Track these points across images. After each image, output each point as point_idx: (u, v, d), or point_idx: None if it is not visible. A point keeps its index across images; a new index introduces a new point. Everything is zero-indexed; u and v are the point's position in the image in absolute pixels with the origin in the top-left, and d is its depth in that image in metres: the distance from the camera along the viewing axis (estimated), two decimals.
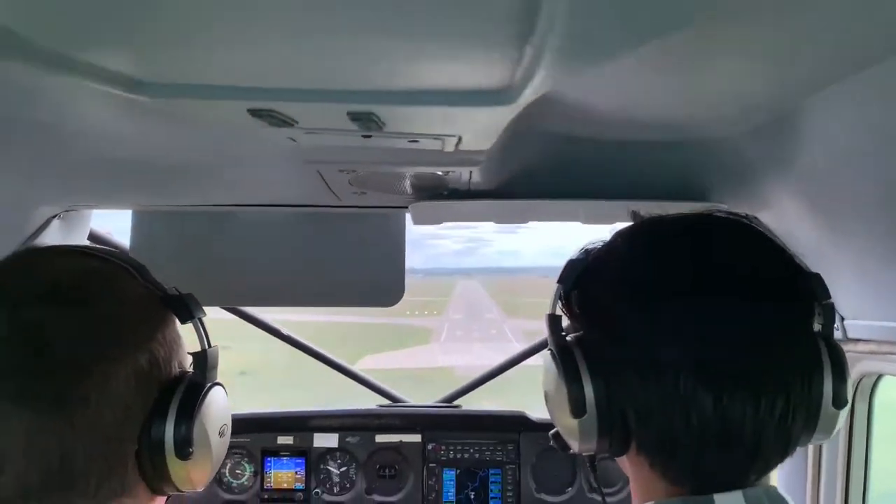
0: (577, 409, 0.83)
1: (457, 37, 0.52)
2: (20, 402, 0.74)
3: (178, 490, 0.89)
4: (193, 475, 0.88)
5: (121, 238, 2.08)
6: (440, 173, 1.36)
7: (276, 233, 1.85)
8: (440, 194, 1.53)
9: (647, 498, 0.83)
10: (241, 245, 1.86)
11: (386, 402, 2.63)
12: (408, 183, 1.48)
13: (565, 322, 0.94)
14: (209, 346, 0.94)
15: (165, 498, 0.95)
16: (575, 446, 0.89)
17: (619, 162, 1.40)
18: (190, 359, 0.94)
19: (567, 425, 0.86)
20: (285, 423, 2.41)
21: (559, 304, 0.93)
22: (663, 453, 0.81)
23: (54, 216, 1.68)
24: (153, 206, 1.76)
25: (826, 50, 0.87)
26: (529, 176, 1.44)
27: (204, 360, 0.92)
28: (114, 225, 2.14)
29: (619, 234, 0.92)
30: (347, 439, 2.38)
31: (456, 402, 2.59)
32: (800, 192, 1.33)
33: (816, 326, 0.83)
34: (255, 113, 0.69)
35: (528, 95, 0.64)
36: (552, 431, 0.97)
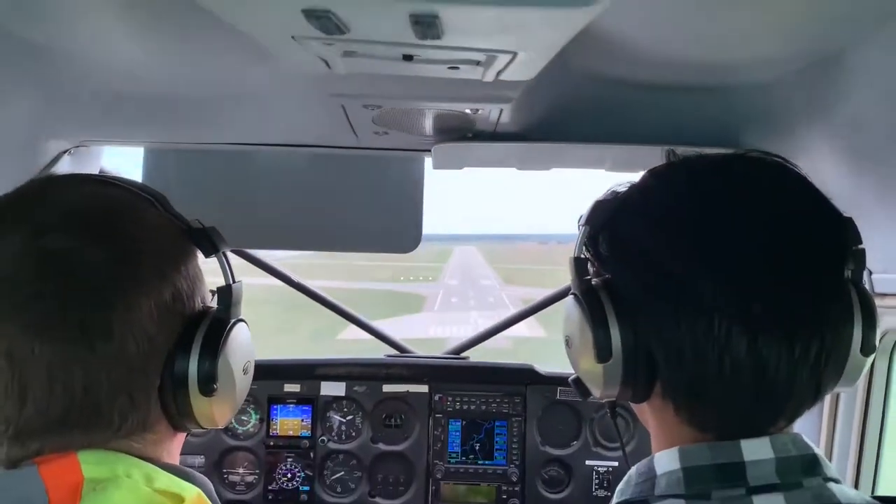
0: (603, 353, 0.82)
1: None
2: (42, 332, 0.72)
3: (200, 427, 0.88)
4: (216, 412, 0.87)
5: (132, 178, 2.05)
6: (468, 111, 1.32)
7: (292, 174, 1.81)
8: (464, 136, 1.50)
9: (670, 444, 0.82)
10: (255, 186, 1.82)
11: (394, 352, 2.62)
12: (431, 123, 1.44)
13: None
14: (233, 280, 0.92)
15: (185, 435, 0.93)
16: (597, 392, 0.88)
17: (651, 105, 1.37)
18: (210, 295, 0.92)
19: (590, 371, 0.85)
20: (292, 370, 2.40)
21: (584, 246, 0.91)
22: (691, 397, 0.79)
23: (65, 151, 1.64)
24: (166, 143, 1.72)
25: None
26: (557, 118, 1.41)
27: (228, 295, 0.90)
28: (124, 166, 2.10)
29: (653, 173, 0.89)
30: (354, 388, 2.38)
31: (464, 354, 2.59)
32: (836, 139, 1.30)
33: (846, 272, 0.81)
34: (309, 14, 0.65)
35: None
36: (572, 377, 0.96)
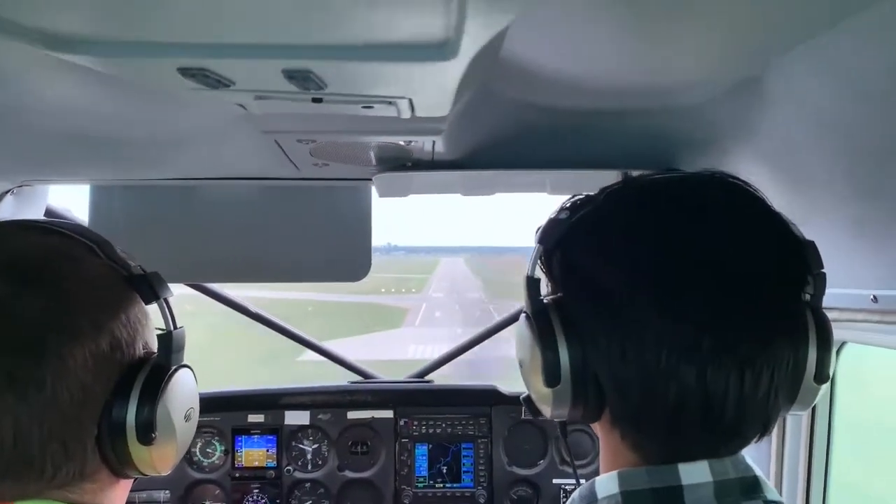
0: (552, 377, 0.80)
1: None
2: None
3: (142, 474, 0.87)
4: (157, 460, 0.85)
5: (79, 214, 2.03)
6: (402, 143, 1.33)
7: (239, 207, 1.81)
8: (404, 165, 1.50)
9: (614, 466, 0.81)
10: (202, 220, 1.81)
11: (357, 378, 2.61)
12: (371, 154, 1.44)
13: (543, 286, 0.89)
14: (175, 327, 0.91)
15: (132, 481, 0.92)
16: (547, 413, 0.87)
17: (583, 131, 1.38)
18: (154, 340, 0.91)
19: (540, 392, 0.84)
20: (256, 400, 2.39)
21: (538, 264, 0.89)
22: (637, 426, 0.79)
23: (7, 192, 1.63)
24: (111, 180, 1.71)
25: (786, 13, 0.85)
26: (494, 146, 1.42)
27: (169, 342, 0.89)
28: (72, 201, 2.08)
29: (608, 195, 0.86)
30: (319, 416, 2.36)
31: (427, 377, 2.58)
32: (765, 157, 1.32)
33: (805, 296, 0.80)
34: (185, 72, 0.66)
35: (468, 48, 0.61)
36: (524, 396, 0.95)
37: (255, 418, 2.36)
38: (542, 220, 0.93)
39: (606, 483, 0.80)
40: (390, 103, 0.90)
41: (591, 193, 0.90)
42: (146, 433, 0.82)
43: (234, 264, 1.83)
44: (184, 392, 0.90)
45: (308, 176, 1.58)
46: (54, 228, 0.87)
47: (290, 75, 0.66)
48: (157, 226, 1.79)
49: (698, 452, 0.77)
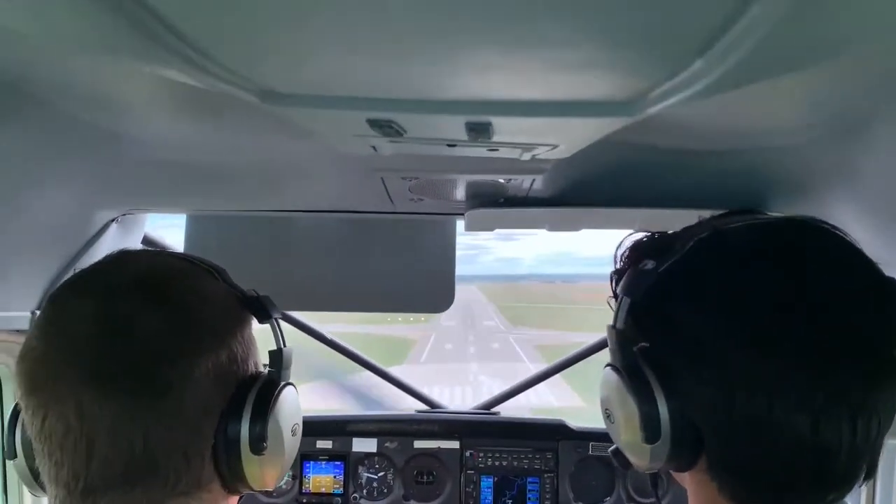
0: (652, 433, 0.79)
1: (591, 53, 0.53)
2: (108, 388, 0.76)
3: (251, 489, 0.90)
4: (266, 472, 0.90)
5: (173, 242, 2.12)
6: (501, 181, 1.37)
7: (330, 238, 1.87)
8: (496, 202, 1.54)
9: None
10: (292, 250, 1.88)
11: (424, 407, 2.64)
12: (465, 190, 1.49)
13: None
14: (284, 345, 0.97)
15: (237, 499, 0.96)
16: (642, 467, 0.85)
17: (679, 169, 1.40)
18: (261, 360, 0.97)
19: (635, 447, 0.82)
20: (324, 427, 2.42)
21: (626, 317, 0.86)
22: (742, 478, 0.77)
23: (112, 220, 1.71)
24: (208, 210, 1.78)
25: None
26: (588, 184, 1.45)
27: (279, 359, 0.94)
28: (166, 231, 2.17)
29: (697, 243, 0.84)
30: (386, 444, 2.39)
31: (494, 409, 2.59)
32: (862, 203, 1.33)
33: None
34: (373, 123, 0.71)
35: (656, 110, 0.64)
36: (612, 448, 0.93)
37: (324, 444, 2.39)
38: (616, 268, 0.93)
39: None
40: (529, 148, 0.93)
41: (666, 233, 0.91)
42: (258, 444, 0.86)
43: (324, 293, 1.89)
44: (291, 407, 0.94)
45: (402, 210, 1.63)
46: (180, 255, 0.94)
47: (472, 127, 0.70)
48: (251, 254, 1.86)
49: (802, 498, 0.76)
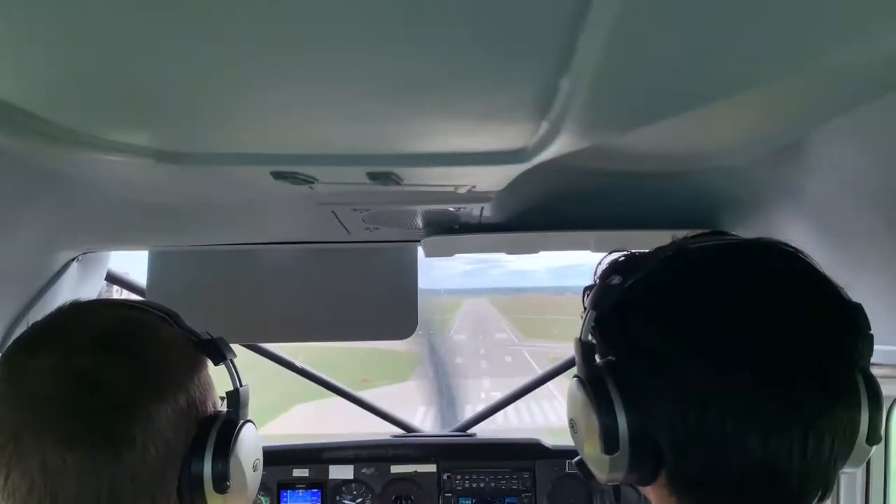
0: (610, 444, 0.80)
1: (476, 110, 0.54)
2: (72, 444, 0.77)
3: None
4: None
5: (136, 277, 2.12)
6: (451, 209, 1.38)
7: (290, 269, 1.87)
8: (451, 228, 1.55)
9: None
10: (255, 282, 1.88)
11: (400, 431, 2.63)
12: (419, 219, 1.50)
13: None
14: (241, 384, 0.98)
15: None
16: (602, 478, 0.86)
17: (629, 192, 1.42)
18: (219, 399, 0.98)
19: (596, 458, 0.84)
20: (300, 455, 2.41)
21: (592, 330, 0.88)
22: (697, 492, 0.78)
23: (73, 259, 1.71)
24: (168, 246, 1.79)
25: (832, 84, 0.88)
26: (539, 209, 1.46)
27: (236, 399, 0.96)
28: (128, 267, 2.17)
29: (662, 262, 0.85)
30: (363, 470, 2.38)
31: (470, 431, 2.59)
32: (808, 219, 1.34)
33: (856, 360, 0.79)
34: (277, 175, 0.72)
35: (544, 157, 0.66)
36: (576, 459, 0.95)
37: (300, 472, 2.38)
38: (590, 282, 0.93)
39: None
40: (450, 188, 0.95)
41: (641, 252, 0.91)
42: (221, 482, 0.88)
43: (286, 324, 1.89)
44: (251, 444, 0.97)
45: (358, 239, 1.63)
46: (133, 304, 0.96)
47: (374, 176, 0.71)
48: (213, 288, 1.86)
49: None
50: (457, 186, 0.86)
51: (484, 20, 0.39)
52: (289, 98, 0.55)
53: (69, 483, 0.77)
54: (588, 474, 0.91)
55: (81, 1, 0.38)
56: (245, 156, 0.67)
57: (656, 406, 0.78)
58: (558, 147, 0.64)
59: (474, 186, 0.86)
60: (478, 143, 0.62)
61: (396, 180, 0.74)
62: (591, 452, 0.85)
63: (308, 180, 0.75)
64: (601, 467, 0.84)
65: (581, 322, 0.90)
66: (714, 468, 0.75)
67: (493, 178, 0.81)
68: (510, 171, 0.75)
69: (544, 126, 0.58)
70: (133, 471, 0.80)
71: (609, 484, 0.88)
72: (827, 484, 0.77)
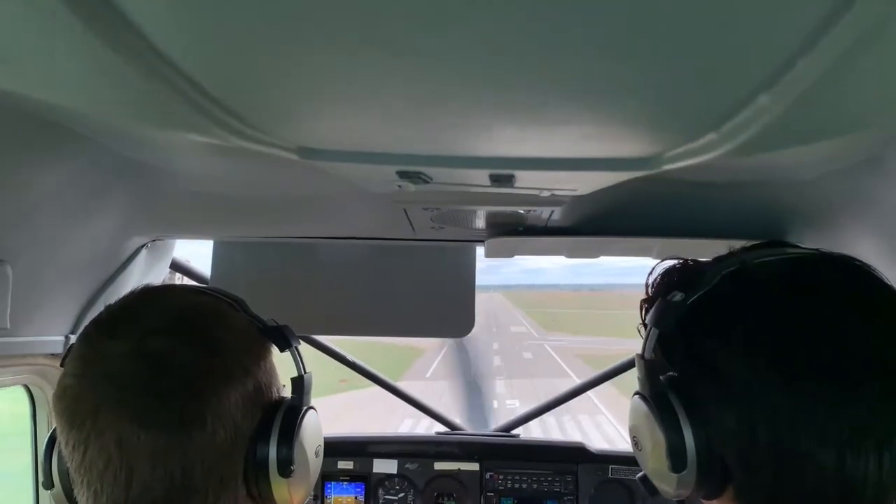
0: (679, 463, 0.80)
1: (611, 125, 0.56)
2: (147, 421, 0.81)
3: None
4: (293, 493, 0.94)
5: (198, 266, 2.17)
6: (521, 212, 1.40)
7: (352, 264, 1.91)
8: (515, 230, 1.57)
9: None
10: (316, 275, 1.92)
11: (444, 429, 2.65)
12: (485, 219, 1.52)
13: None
14: (305, 371, 1.01)
15: None
16: (669, 494, 0.86)
17: (696, 201, 1.42)
18: (282, 385, 1.01)
19: (662, 475, 0.84)
20: (345, 448, 2.45)
21: (655, 348, 0.87)
22: None
23: (143, 245, 1.77)
24: (234, 237, 1.83)
25: None
26: (608, 214, 1.48)
27: (301, 385, 0.99)
28: (192, 256, 2.22)
29: (725, 277, 0.84)
30: (406, 465, 2.41)
31: (514, 432, 2.60)
32: (878, 235, 1.34)
33: None
34: (403, 174, 0.75)
35: (672, 167, 0.67)
36: (639, 475, 0.95)
37: (345, 465, 2.42)
38: (647, 296, 0.94)
39: None
40: (548, 192, 0.96)
41: (696, 262, 0.92)
42: (285, 467, 0.90)
43: (345, 318, 1.92)
44: (314, 430, 0.99)
45: (423, 237, 1.66)
46: (204, 291, 0.98)
47: (495, 178, 0.73)
48: (275, 280, 1.91)
49: None
50: (558, 189, 0.88)
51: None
52: (421, 99, 0.57)
53: (144, 460, 0.80)
54: (653, 490, 0.91)
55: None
56: (375, 155, 0.70)
57: (724, 424, 0.78)
58: (696, 158, 0.65)
59: (575, 190, 0.88)
60: (606, 150, 0.64)
61: (514, 182, 0.77)
62: (657, 469, 0.85)
63: (426, 180, 0.78)
64: (668, 484, 0.84)
65: (641, 338, 0.90)
66: (787, 486, 0.75)
67: (601, 183, 0.83)
68: (625, 176, 0.77)
69: (694, 143, 0.60)
70: (203, 452, 0.83)
71: (675, 499, 0.89)
72: None
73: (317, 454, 1.01)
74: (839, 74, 0.49)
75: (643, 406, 0.86)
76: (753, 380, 0.76)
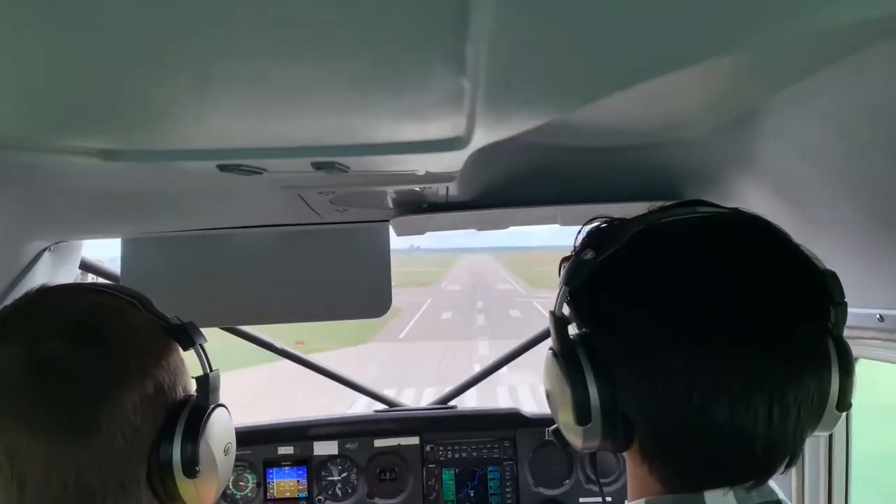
0: (583, 416, 0.82)
1: (402, 105, 0.56)
2: (38, 430, 0.79)
3: None
4: (201, 493, 0.92)
5: (111, 265, 2.12)
6: (418, 189, 1.39)
7: (264, 252, 1.88)
8: (420, 207, 1.57)
9: (641, 494, 0.84)
10: (229, 266, 1.89)
11: (382, 406, 2.67)
12: (388, 199, 1.51)
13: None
14: (210, 370, 0.99)
15: None
16: (577, 446, 0.88)
17: (590, 167, 1.44)
18: (194, 382, 0.99)
19: (571, 428, 0.86)
20: (284, 433, 2.45)
21: (565, 304, 0.89)
22: (666, 462, 0.81)
23: (45, 249, 1.71)
24: (140, 233, 1.79)
25: (784, 53, 0.89)
26: (504, 185, 1.48)
27: (206, 384, 0.97)
28: (104, 253, 2.17)
29: (633, 236, 0.85)
30: (347, 446, 2.42)
31: (451, 403, 2.63)
32: (767, 187, 1.37)
33: (828, 326, 0.80)
34: (223, 168, 0.73)
35: (479, 143, 0.67)
36: (552, 428, 0.96)
37: (285, 450, 2.42)
38: (566, 256, 0.94)
39: None
40: (404, 174, 0.96)
41: (611, 219, 0.92)
42: (191, 468, 0.89)
43: (261, 307, 1.90)
44: (222, 428, 0.97)
45: (328, 220, 1.65)
46: (102, 290, 0.95)
47: (318, 166, 0.72)
48: (187, 273, 1.87)
49: (725, 482, 0.78)
50: (409, 173, 0.88)
51: (374, 25, 0.41)
52: (229, 95, 0.56)
53: (36, 469, 0.78)
54: (564, 442, 0.94)
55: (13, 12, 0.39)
56: (190, 151, 0.68)
57: (625, 378, 0.81)
58: (485, 136, 0.66)
59: (427, 171, 0.88)
60: (413, 134, 0.64)
61: (342, 169, 0.76)
62: (566, 422, 0.87)
63: (256, 171, 0.77)
64: (576, 436, 0.86)
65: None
66: (682, 440, 0.77)
67: (442, 164, 0.82)
68: (453, 158, 0.77)
69: (469, 117, 0.60)
70: (100, 457, 0.81)
71: (585, 451, 0.91)
72: (794, 451, 0.79)
73: (226, 452, 0.99)
74: None
75: (554, 362, 0.88)
76: (653, 337, 0.78)
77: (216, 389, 0.98)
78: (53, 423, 0.79)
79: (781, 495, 0.82)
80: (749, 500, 0.78)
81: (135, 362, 0.87)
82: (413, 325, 19.78)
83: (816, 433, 0.83)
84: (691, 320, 0.77)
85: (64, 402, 0.80)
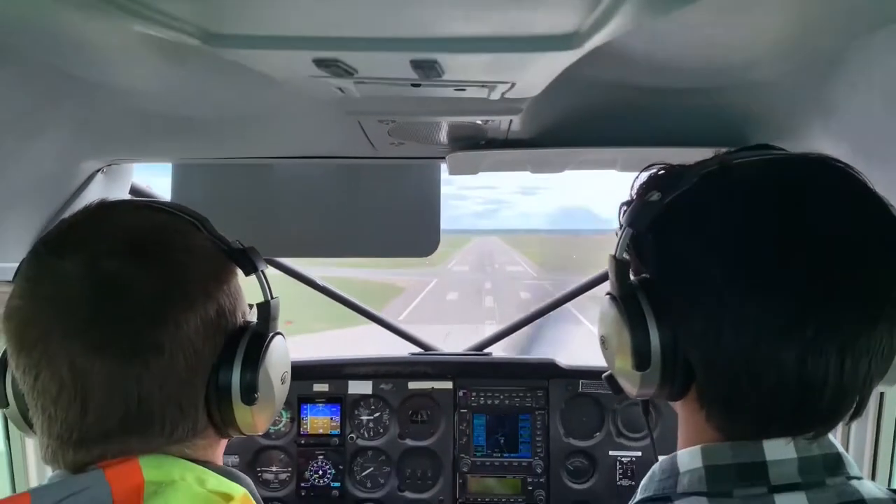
0: (642, 361, 0.81)
1: None
2: (101, 349, 0.79)
3: (242, 433, 0.94)
4: (257, 419, 0.93)
5: (159, 192, 2.13)
6: (479, 122, 1.37)
7: (314, 184, 1.88)
8: (477, 144, 1.54)
9: (694, 442, 0.82)
10: (278, 197, 1.89)
11: (418, 349, 2.69)
12: (445, 133, 1.49)
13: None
14: (271, 297, 0.98)
15: (228, 439, 1.00)
16: (632, 393, 0.87)
17: (659, 108, 1.40)
18: (249, 310, 0.98)
19: (627, 373, 0.85)
20: (320, 370, 2.48)
21: (627, 248, 0.88)
22: (727, 408, 0.79)
23: (98, 170, 1.72)
24: (193, 158, 1.79)
25: None
26: (567, 124, 1.45)
27: (267, 311, 0.96)
28: (153, 180, 2.19)
29: (703, 178, 0.82)
30: (381, 386, 2.45)
31: (486, 350, 2.64)
32: (840, 136, 1.32)
33: None
34: (320, 63, 0.71)
35: (596, 42, 0.65)
36: (606, 374, 0.96)
37: (320, 387, 2.45)
38: (625, 199, 0.92)
39: (689, 457, 0.81)
40: (483, 86, 0.93)
41: (681, 166, 0.88)
42: (249, 394, 0.89)
43: (309, 239, 1.91)
44: (280, 357, 0.98)
45: (383, 154, 1.63)
46: (162, 207, 0.93)
47: (417, 65, 0.70)
48: (237, 202, 1.87)
49: (786, 431, 0.77)
50: (496, 85, 0.85)
51: None
52: None
53: (99, 387, 0.79)
54: (617, 389, 0.93)
55: None
56: (287, 39, 0.66)
57: (691, 324, 0.78)
58: (615, 28, 0.63)
59: (513, 86, 0.85)
60: (526, 24, 0.61)
61: (440, 70, 0.74)
62: (623, 368, 0.86)
63: (349, 70, 0.75)
64: (632, 382, 0.85)
65: (616, 240, 0.89)
66: (746, 387, 0.76)
67: (536, 74, 0.80)
68: (555, 64, 0.74)
69: (599, 7, 0.57)
70: (161, 379, 0.81)
71: (639, 399, 0.90)
72: (862, 402, 0.77)
73: (283, 381, 1.00)
74: None
75: (612, 306, 0.86)
76: (723, 281, 0.76)
77: (276, 317, 0.98)
78: (118, 343, 0.79)
79: (841, 449, 0.80)
80: (809, 451, 0.77)
81: (197, 284, 0.87)
82: (416, 305, 19.15)
83: (879, 387, 0.80)
84: (763, 265, 0.75)
85: (128, 321, 0.80)
